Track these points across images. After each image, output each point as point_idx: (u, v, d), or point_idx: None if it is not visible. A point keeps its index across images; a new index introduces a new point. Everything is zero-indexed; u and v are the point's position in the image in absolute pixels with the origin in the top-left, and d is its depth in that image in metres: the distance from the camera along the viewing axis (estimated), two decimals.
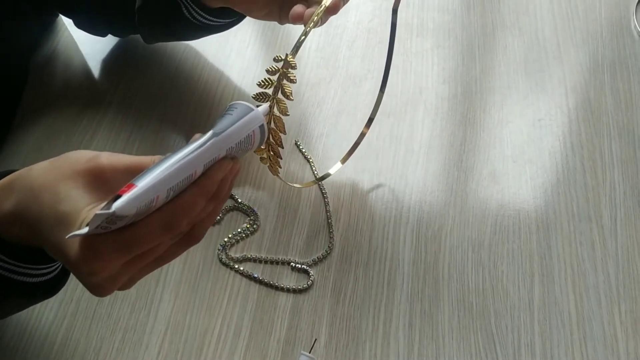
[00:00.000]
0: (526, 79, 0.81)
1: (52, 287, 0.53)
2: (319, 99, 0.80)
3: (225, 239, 0.68)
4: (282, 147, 0.62)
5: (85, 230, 0.38)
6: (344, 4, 0.60)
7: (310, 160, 0.74)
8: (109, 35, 0.83)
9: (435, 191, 0.72)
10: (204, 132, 0.42)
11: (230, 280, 0.66)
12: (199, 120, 0.78)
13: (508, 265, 0.66)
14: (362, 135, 0.72)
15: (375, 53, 0.85)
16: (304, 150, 0.75)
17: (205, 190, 0.43)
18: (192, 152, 0.41)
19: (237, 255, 0.68)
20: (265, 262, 0.67)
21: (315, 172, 0.73)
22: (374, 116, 0.72)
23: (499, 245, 0.68)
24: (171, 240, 0.45)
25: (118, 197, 0.38)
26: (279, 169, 0.67)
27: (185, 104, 0.79)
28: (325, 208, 0.71)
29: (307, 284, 0.65)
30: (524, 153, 0.75)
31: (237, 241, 0.69)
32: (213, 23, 0.70)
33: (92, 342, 0.63)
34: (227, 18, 0.70)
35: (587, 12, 0.89)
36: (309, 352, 0.61)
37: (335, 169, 0.72)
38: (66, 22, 0.87)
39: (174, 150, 0.42)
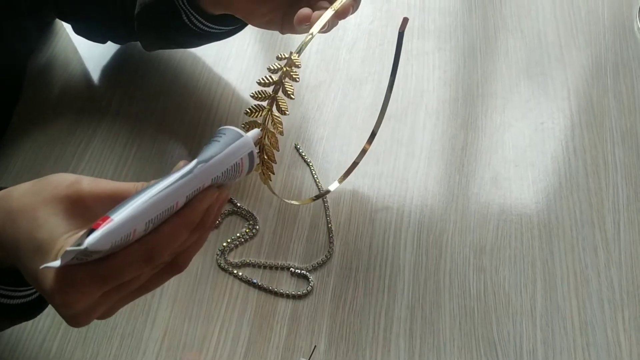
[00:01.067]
0: (528, 82, 0.81)
1: (32, 309, 0.52)
2: (319, 101, 0.80)
3: (224, 244, 0.68)
4: (275, 163, 0.60)
5: (57, 263, 0.37)
6: (353, 11, 0.59)
7: (310, 164, 0.74)
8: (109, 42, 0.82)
9: (436, 195, 0.71)
10: (189, 160, 0.41)
11: (229, 285, 0.66)
12: (196, 124, 0.77)
13: (510, 271, 0.65)
14: (364, 151, 0.70)
15: (375, 55, 0.84)
16: (303, 154, 0.74)
17: (187, 221, 0.41)
18: (174, 183, 0.39)
19: (236, 261, 0.67)
20: (265, 267, 0.67)
21: (315, 176, 0.73)
22: (377, 131, 0.70)
23: (501, 251, 0.67)
24: (152, 270, 0.43)
25: (92, 230, 0.36)
26: (270, 182, 0.64)
27: (184, 107, 0.78)
28: (325, 212, 0.70)
29: (307, 290, 0.65)
30: (526, 157, 0.74)
31: (236, 246, 0.68)
32: (213, 30, 0.68)
33: (88, 350, 0.62)
34: (228, 25, 0.69)
35: (590, 14, 0.88)
36: (308, 359, 0.60)
37: (334, 186, 0.70)
38: (65, 25, 0.86)
39: (161, 177, 0.40)
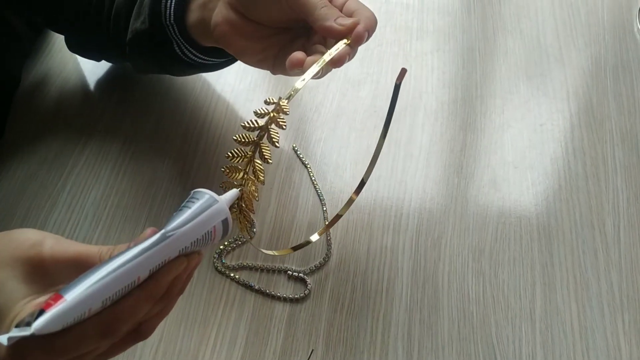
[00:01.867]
0: (527, 83, 0.80)
1: None
2: (317, 102, 0.79)
3: (221, 247, 0.67)
4: (253, 213, 0.56)
5: (4, 340, 0.34)
6: (349, 59, 0.55)
7: (308, 166, 0.73)
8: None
9: (435, 198, 0.71)
10: (159, 227, 0.39)
11: (226, 288, 0.65)
12: (192, 130, 0.76)
13: (509, 273, 0.65)
14: (351, 201, 0.65)
15: (374, 56, 0.84)
16: (301, 156, 0.74)
17: (150, 294, 0.39)
18: (137, 257, 0.37)
19: (233, 263, 0.66)
20: (262, 270, 0.66)
21: (313, 179, 0.72)
22: (366, 180, 0.64)
23: (500, 254, 0.66)
24: (110, 343, 0.41)
25: (42, 312, 0.34)
26: (246, 231, 0.61)
27: (180, 112, 0.78)
28: (323, 215, 0.70)
29: (304, 293, 0.64)
30: (525, 159, 0.73)
31: (233, 249, 0.67)
32: (205, 62, 0.67)
33: None
34: (219, 58, 0.67)
35: (589, 15, 0.87)
36: None
37: (314, 237, 0.66)
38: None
39: (127, 247, 0.38)
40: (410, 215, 0.69)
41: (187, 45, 0.64)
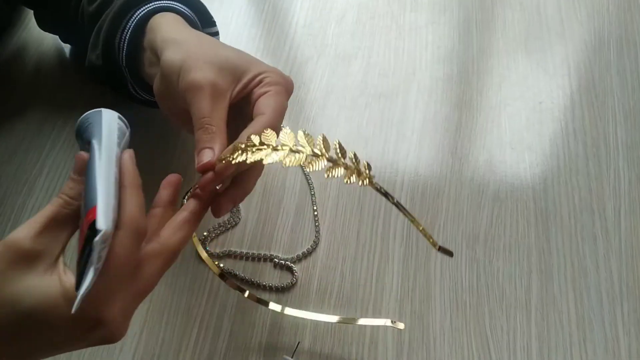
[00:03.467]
0: (526, 58, 0.76)
1: None
2: (305, 79, 0.75)
3: (205, 233, 0.64)
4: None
5: (89, 280, 0.36)
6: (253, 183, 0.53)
7: None
8: None
9: (428, 180, 0.68)
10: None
11: (210, 277, 0.63)
12: None
13: (504, 261, 0.62)
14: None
15: (366, 29, 0.80)
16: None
17: (136, 182, 0.43)
18: (96, 162, 0.41)
19: (217, 251, 0.64)
20: (247, 258, 0.63)
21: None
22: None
23: (495, 240, 0.63)
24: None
25: (94, 222, 0.37)
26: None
27: None
28: (312, 199, 0.67)
29: (291, 282, 0.62)
30: (523, 139, 0.70)
31: (217, 235, 0.65)
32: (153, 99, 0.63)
33: None
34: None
35: None
36: (292, 356, 0.58)
37: (274, 306, 0.60)
38: None
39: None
40: (402, 199, 0.66)
41: (139, 89, 0.63)
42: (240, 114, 0.52)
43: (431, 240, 0.43)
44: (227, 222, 0.65)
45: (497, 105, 0.73)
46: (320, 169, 0.44)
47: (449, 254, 0.44)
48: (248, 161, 0.44)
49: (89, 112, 0.45)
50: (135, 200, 0.42)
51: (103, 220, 0.37)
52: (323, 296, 0.61)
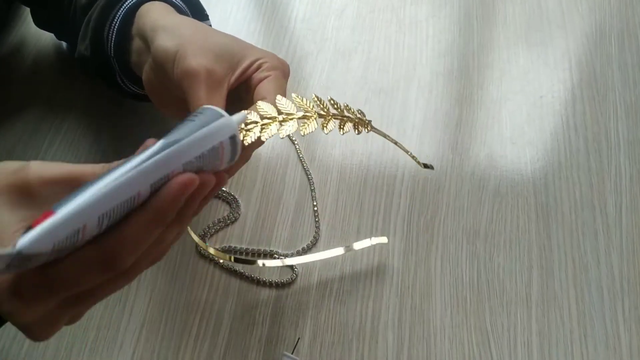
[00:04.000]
0: (527, 52, 0.76)
1: None
2: (305, 74, 0.75)
3: (204, 229, 0.64)
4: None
5: None
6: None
7: (296, 143, 0.70)
8: None
9: (428, 176, 0.67)
10: (159, 137, 0.35)
11: (210, 273, 0.62)
12: None
13: (505, 257, 0.62)
14: None
15: (366, 23, 0.79)
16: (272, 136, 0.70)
17: (156, 215, 0.34)
18: (134, 168, 0.33)
19: (217, 247, 0.63)
20: (247, 253, 0.63)
21: (301, 156, 0.69)
22: None
23: (496, 236, 0.63)
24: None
25: (29, 229, 0.31)
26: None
27: None
28: (311, 195, 0.66)
29: (291, 278, 0.61)
30: (524, 134, 0.70)
31: (217, 231, 0.65)
32: (142, 93, 0.63)
33: (64, 341, 0.59)
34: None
35: None
36: (292, 352, 0.57)
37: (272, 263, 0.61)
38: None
39: (126, 158, 0.33)
40: (402, 195, 0.66)
41: (127, 81, 0.62)
42: (239, 100, 0.52)
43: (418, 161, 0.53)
44: (226, 217, 0.65)
45: (497, 100, 0.72)
46: (332, 129, 0.46)
47: (430, 167, 0.56)
48: (263, 138, 0.43)
49: (213, 108, 0.37)
50: (137, 238, 0.35)
51: (29, 241, 0.30)
52: (323, 292, 0.61)
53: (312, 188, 0.67)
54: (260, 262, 0.61)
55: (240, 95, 0.52)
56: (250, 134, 0.43)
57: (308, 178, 0.67)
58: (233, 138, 0.37)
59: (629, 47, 0.76)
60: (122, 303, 0.61)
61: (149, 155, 0.33)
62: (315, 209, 0.65)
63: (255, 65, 0.51)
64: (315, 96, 0.46)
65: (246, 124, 0.43)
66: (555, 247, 0.62)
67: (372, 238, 0.62)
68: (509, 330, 0.58)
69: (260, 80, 0.50)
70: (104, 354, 0.58)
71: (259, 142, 0.46)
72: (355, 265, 0.62)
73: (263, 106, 0.45)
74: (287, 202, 0.66)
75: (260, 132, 0.43)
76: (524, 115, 0.71)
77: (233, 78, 0.50)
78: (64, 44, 0.77)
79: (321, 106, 0.46)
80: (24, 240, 0.30)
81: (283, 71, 0.51)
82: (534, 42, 0.77)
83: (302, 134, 0.45)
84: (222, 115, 0.36)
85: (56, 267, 0.34)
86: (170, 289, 0.61)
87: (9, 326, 0.58)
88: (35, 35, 0.78)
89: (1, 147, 0.70)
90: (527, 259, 0.62)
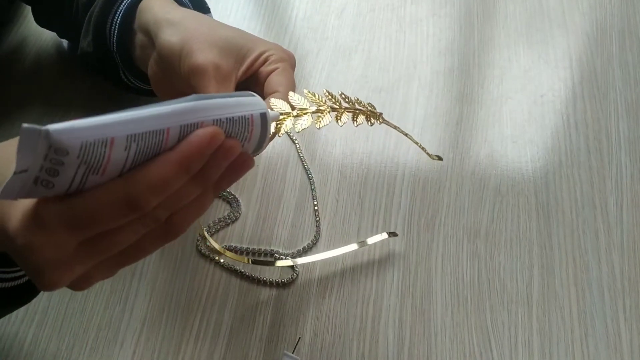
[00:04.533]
0: (528, 50, 0.76)
1: (25, 293, 0.47)
2: (305, 73, 0.75)
3: (205, 228, 0.64)
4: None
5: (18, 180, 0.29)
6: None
7: (296, 142, 0.70)
8: None
9: (428, 175, 0.67)
10: None
11: (210, 273, 0.62)
12: None
13: (505, 256, 0.62)
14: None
15: (366, 22, 0.79)
16: (289, 131, 0.70)
17: (182, 159, 0.33)
18: (167, 105, 0.33)
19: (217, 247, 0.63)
20: (247, 253, 0.63)
21: (301, 155, 0.69)
22: None
23: (497, 235, 0.63)
24: (140, 228, 0.35)
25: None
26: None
27: None
28: (312, 194, 0.66)
29: (292, 277, 0.61)
30: (525, 133, 0.70)
31: (217, 230, 0.65)
32: (145, 87, 0.63)
33: (64, 340, 0.59)
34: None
35: None
36: (293, 352, 0.57)
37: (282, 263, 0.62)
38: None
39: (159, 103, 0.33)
40: (402, 194, 0.66)
41: (130, 76, 0.62)
42: None
43: (428, 153, 0.54)
44: (227, 217, 0.65)
45: (498, 99, 0.72)
46: (346, 121, 0.47)
47: (440, 159, 0.57)
48: (279, 133, 0.44)
49: (248, 92, 0.38)
50: (163, 178, 0.33)
51: (60, 127, 0.29)
52: (324, 292, 0.61)
53: (313, 187, 0.67)
54: (278, 263, 0.61)
55: (248, 88, 0.52)
56: (283, 123, 0.44)
57: (308, 177, 0.67)
58: (264, 116, 0.38)
59: (629, 46, 0.76)
60: (123, 302, 0.61)
61: (182, 101, 0.34)
62: (316, 208, 0.65)
63: (262, 58, 0.51)
64: (327, 91, 0.47)
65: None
66: (556, 246, 0.62)
67: (385, 233, 0.62)
68: (509, 330, 0.58)
69: (269, 73, 0.50)
70: (104, 354, 0.58)
71: (272, 137, 0.46)
72: (356, 264, 0.62)
73: (276, 103, 0.45)
74: (287, 201, 0.66)
75: (276, 127, 0.44)
76: (525, 113, 0.71)
77: (240, 72, 0.50)
78: (64, 42, 0.77)
79: (333, 100, 0.47)
80: (54, 126, 0.29)
81: (290, 62, 0.51)
82: (534, 41, 0.77)
83: (318, 127, 0.46)
84: (253, 95, 0.38)
85: (81, 197, 0.33)
86: (170, 288, 0.61)
87: (8, 326, 0.59)
88: (36, 34, 0.78)
89: None
90: (527, 258, 0.62)
